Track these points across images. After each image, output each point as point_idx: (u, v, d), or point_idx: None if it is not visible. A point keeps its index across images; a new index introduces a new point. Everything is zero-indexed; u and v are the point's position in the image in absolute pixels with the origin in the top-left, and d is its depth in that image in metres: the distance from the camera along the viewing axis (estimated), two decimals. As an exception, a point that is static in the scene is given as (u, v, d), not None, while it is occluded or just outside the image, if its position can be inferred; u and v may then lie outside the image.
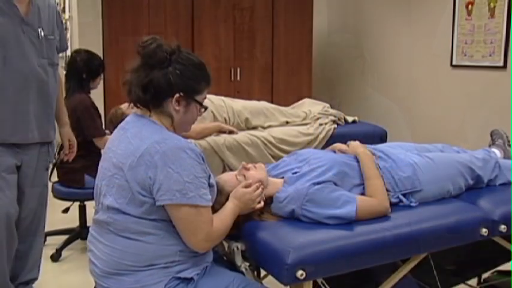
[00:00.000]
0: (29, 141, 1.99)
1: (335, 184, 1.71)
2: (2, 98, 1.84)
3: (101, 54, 3.48)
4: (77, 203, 3.13)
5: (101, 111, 3.35)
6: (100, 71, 2.98)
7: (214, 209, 1.54)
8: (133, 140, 1.44)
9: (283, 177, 1.81)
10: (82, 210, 3.18)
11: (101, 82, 3.10)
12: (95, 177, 1.60)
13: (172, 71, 1.46)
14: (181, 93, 1.47)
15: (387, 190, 1.77)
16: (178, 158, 1.38)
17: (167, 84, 1.45)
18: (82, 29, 4.14)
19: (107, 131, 2.90)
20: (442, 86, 4.38)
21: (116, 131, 1.57)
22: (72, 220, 3.22)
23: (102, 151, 1.62)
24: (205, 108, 1.56)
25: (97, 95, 3.61)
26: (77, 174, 2.88)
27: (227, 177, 1.72)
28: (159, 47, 1.46)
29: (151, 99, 1.48)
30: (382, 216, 1.68)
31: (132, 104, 1.54)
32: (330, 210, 1.61)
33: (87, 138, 2.82)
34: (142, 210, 1.41)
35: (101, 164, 1.55)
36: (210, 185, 1.47)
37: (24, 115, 1.92)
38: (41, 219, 2.15)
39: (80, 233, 3.15)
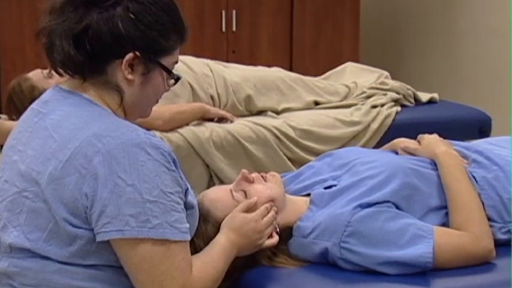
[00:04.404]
0: None
1: (396, 207, 1.72)
2: None
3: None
4: None
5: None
6: None
7: (196, 247, 1.56)
8: (56, 133, 1.46)
9: (309, 195, 1.83)
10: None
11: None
12: None
13: (122, 14, 1.47)
14: (137, 52, 1.49)
15: (489, 219, 1.78)
16: (133, 162, 1.40)
17: (114, 36, 1.47)
18: None
19: (3, 116, 2.92)
20: None
21: (23, 117, 1.58)
22: None
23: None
24: (178, 78, 1.59)
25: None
26: None
27: (217, 195, 1.75)
28: None
29: (87, 60, 1.48)
30: (481, 264, 1.69)
31: (52, 71, 1.55)
32: (388, 250, 1.63)
33: None
34: (73, 250, 1.42)
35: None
36: (188, 206, 1.49)
37: None
38: None
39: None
